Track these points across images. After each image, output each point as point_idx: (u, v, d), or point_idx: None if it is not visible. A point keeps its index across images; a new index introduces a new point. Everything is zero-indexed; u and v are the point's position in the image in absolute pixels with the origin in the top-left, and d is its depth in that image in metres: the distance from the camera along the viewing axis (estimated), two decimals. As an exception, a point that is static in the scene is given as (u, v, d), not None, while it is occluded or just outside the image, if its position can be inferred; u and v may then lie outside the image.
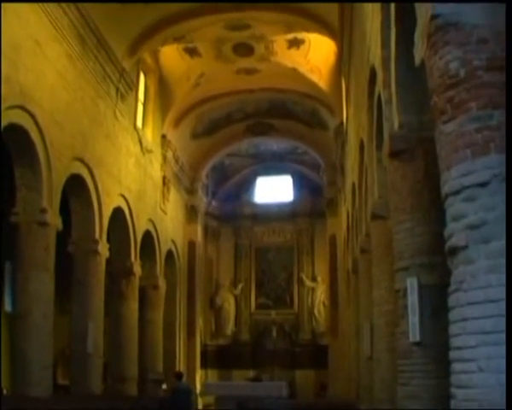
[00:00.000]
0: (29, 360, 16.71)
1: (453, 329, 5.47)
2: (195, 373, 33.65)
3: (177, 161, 31.82)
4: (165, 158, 29.72)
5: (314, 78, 27.25)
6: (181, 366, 31.79)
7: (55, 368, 19.16)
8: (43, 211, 17.46)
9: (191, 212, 35.38)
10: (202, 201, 36.76)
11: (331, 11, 19.81)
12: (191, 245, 35.14)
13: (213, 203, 39.32)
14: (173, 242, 31.87)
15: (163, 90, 28.47)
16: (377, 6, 10.91)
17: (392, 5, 9.44)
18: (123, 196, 23.93)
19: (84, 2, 18.32)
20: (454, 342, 5.45)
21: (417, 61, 6.61)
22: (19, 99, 16.11)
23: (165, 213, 30.25)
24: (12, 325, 18.04)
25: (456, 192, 5.45)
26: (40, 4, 17.00)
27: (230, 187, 40.41)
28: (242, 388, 28.15)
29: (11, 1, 12.69)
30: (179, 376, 19.96)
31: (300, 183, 39.45)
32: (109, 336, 23.57)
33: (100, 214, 21.47)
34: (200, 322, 35.46)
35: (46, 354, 17.34)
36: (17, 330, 17.22)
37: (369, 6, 12.64)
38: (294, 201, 39.44)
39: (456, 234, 5.46)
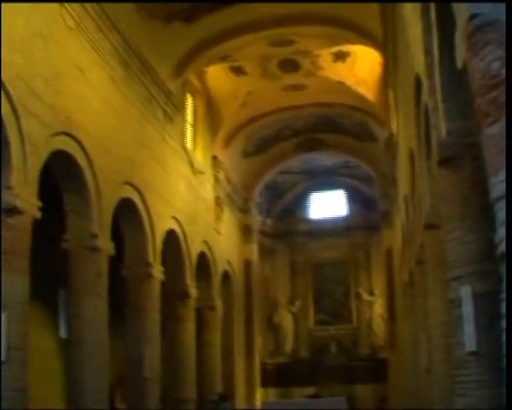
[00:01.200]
0: (84, 386, 16.48)
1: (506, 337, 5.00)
2: (255, 392, 33.17)
3: (229, 181, 31.50)
4: (216, 179, 29.41)
5: (361, 90, 26.76)
6: (240, 385, 31.38)
7: (112, 393, 18.90)
8: (94, 236, 17.24)
9: (246, 231, 35.01)
10: (256, 219, 36.39)
11: (373, 21, 19.30)
12: (247, 264, 34.76)
13: (268, 222, 38.93)
14: (229, 262, 31.52)
15: (211, 110, 28.25)
16: (417, 12, 10.60)
17: (433, 10, 9.15)
18: (175, 219, 23.65)
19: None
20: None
21: (459, 63, 6.29)
22: (64, 126, 15.95)
23: (220, 233, 29.90)
24: (66, 352, 17.78)
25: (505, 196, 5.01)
26: (80, 30, 16.83)
27: (284, 204, 40.07)
28: (302, 405, 27.62)
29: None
30: (223, 397, 19.59)
31: (354, 197, 38.94)
32: (166, 359, 23.23)
33: (152, 238, 21.19)
34: (258, 341, 35.00)
35: (101, 379, 17.06)
36: (71, 357, 17.00)
37: (409, 13, 12.36)
38: (348, 215, 38.96)
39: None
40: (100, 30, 17.79)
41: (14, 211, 13.69)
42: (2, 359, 12.90)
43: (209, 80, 27.23)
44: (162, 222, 22.15)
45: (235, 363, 31.36)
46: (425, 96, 10.84)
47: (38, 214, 14.58)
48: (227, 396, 20.37)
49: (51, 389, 21.18)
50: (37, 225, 14.61)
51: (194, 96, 27.12)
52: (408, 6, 12.60)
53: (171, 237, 23.26)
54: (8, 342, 13.07)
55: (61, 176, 16.77)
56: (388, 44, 18.96)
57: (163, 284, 22.09)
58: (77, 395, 16.49)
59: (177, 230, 23.94)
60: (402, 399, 28.44)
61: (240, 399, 31.18)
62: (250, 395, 32.14)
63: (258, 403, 32.59)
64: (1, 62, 12.68)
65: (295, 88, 27.89)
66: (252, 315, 34.23)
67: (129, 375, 20.23)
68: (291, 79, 27.03)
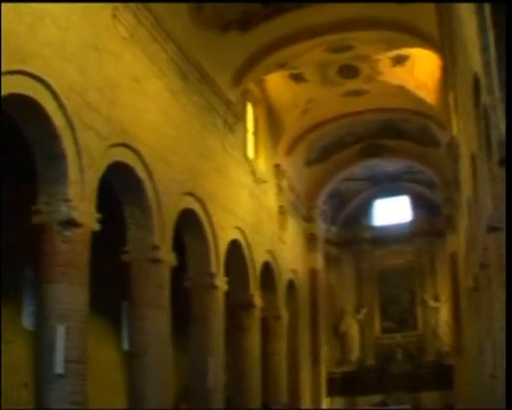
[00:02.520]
0: (147, 399, 16.11)
1: None
2: (321, 402, 32.41)
3: (292, 189, 30.91)
4: (279, 187, 28.82)
5: (421, 93, 25.93)
6: (306, 395, 30.68)
7: (177, 405, 18.45)
8: (155, 248, 16.87)
9: (310, 240, 34.30)
10: (321, 228, 35.70)
11: (430, 22, 18.50)
12: (312, 273, 34.07)
13: (332, 229, 38.15)
14: (294, 271, 30.80)
15: (272, 118, 27.75)
16: (472, 10, 10.10)
17: (487, 7, 8.71)
18: (238, 229, 23.18)
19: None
20: None
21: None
22: (121, 137, 15.63)
23: (284, 242, 29.28)
24: (129, 364, 17.37)
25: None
26: (135, 40, 16.45)
27: (348, 212, 39.24)
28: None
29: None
30: (266, 408, 19.09)
31: (418, 202, 37.89)
32: (231, 369, 22.68)
33: (215, 248, 20.78)
34: (324, 350, 34.21)
35: (164, 391, 16.69)
36: (134, 369, 16.63)
37: (464, 12, 11.89)
38: (413, 221, 37.87)
39: None
40: (155, 40, 17.38)
41: (71, 224, 13.45)
42: (60, 372, 12.57)
43: (269, 88, 26.71)
44: (225, 232, 21.70)
45: (301, 372, 30.62)
46: (484, 96, 10.34)
47: (97, 227, 14.30)
48: (269, 407, 19.91)
49: (114, 402, 20.87)
50: (97, 237, 14.28)
51: (254, 105, 26.62)
52: (463, 5, 12.15)
53: (234, 247, 22.79)
54: (66, 354, 12.76)
55: (121, 188, 16.45)
56: (446, 46, 18.30)
57: (227, 295, 21.65)
58: (140, 408, 16.16)
59: (241, 240, 23.46)
60: (468, 406, 27.34)
61: (306, 408, 30.48)
62: (316, 405, 31.37)
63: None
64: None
65: (356, 94, 27.20)
66: (317, 324, 33.49)
67: (193, 386, 19.79)
68: (351, 84, 26.38)
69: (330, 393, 34.32)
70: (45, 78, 12.81)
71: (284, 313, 28.13)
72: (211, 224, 20.47)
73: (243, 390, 22.88)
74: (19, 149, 14.40)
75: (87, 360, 13.55)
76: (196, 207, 19.72)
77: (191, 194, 19.40)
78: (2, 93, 11.66)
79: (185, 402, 21.38)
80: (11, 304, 18.56)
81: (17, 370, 17.84)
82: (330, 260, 37.47)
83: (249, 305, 23.99)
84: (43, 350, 12.95)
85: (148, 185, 16.68)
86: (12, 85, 12.01)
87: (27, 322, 19.11)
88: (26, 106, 12.75)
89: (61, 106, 13.31)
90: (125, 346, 22.63)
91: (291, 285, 30.27)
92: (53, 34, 13.21)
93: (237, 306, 23.59)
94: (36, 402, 13.22)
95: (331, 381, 34.71)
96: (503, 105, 8.51)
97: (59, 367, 12.66)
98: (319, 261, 34.93)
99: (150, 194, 16.78)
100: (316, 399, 31.92)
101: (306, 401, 30.90)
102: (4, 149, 15.17)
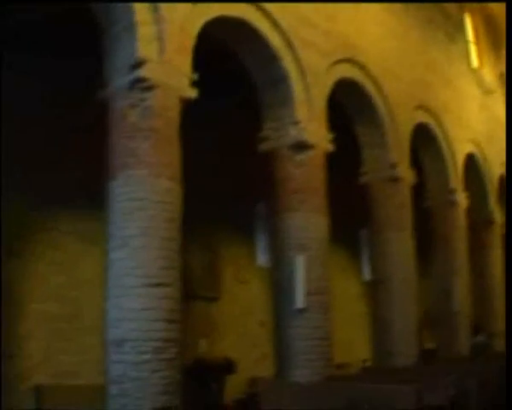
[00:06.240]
0: (391, 328, 13.94)
1: None
2: None
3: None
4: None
5: None
6: None
7: (419, 332, 15.79)
8: (393, 166, 14.44)
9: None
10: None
11: None
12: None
13: None
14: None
15: (490, 27, 23.91)
16: None
17: None
18: (473, 142, 19.99)
19: None
20: None
21: None
22: (343, 53, 13.20)
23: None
24: (372, 293, 14.90)
25: None
26: None
27: None
28: None
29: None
30: (476, 330, 16.02)
31: None
32: (474, 290, 19.53)
33: (453, 163, 17.93)
34: None
35: (409, 319, 14.27)
36: (377, 297, 14.43)
37: None
38: None
39: None
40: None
41: (303, 146, 11.39)
42: (301, 306, 10.40)
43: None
44: (460, 146, 18.71)
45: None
46: None
47: (330, 147, 12.05)
48: (478, 329, 16.69)
49: (356, 333, 18.93)
50: (330, 160, 11.97)
51: (472, 15, 22.93)
52: None
53: (470, 161, 19.57)
54: (307, 287, 10.73)
55: (350, 106, 14.17)
56: None
57: (467, 212, 18.66)
58: (385, 337, 14.04)
59: (476, 153, 20.19)
60: None
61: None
62: None
63: None
64: None
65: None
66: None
67: (437, 311, 17.31)
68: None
69: None
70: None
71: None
72: (446, 138, 17.56)
73: (486, 313, 19.76)
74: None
75: (329, 293, 11.47)
76: (430, 120, 16.92)
77: (423, 107, 16.60)
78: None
79: (427, 329, 18.61)
80: (246, 244, 17.03)
81: (253, 309, 16.48)
82: None
83: (489, 221, 20.85)
84: (282, 285, 11.11)
85: (378, 101, 14.25)
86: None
87: (260, 260, 17.39)
88: (238, 28, 10.76)
89: (275, 25, 11.17)
90: (366, 275, 20.18)
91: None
92: None
93: (478, 223, 20.43)
94: (274, 340, 11.44)
95: None
96: None
97: (299, 301, 10.73)
98: None
99: (382, 110, 14.34)
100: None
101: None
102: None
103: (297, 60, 11.59)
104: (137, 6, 8.64)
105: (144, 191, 8.33)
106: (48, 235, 12.45)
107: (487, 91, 22.50)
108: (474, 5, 22.86)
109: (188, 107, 9.18)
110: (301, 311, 10.73)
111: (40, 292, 12.15)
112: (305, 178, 11.15)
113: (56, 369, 12.13)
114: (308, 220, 11.07)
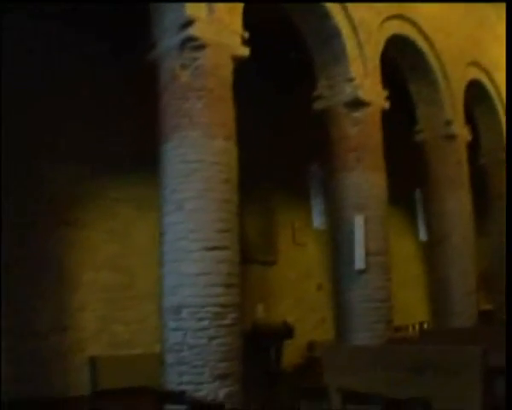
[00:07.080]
0: (450, 288, 13.30)
1: None
2: None
3: None
4: None
5: None
6: None
7: (478, 291, 15.17)
8: (448, 123, 13.74)
9: None
10: None
11: None
12: None
13: None
14: None
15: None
16: None
17: None
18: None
19: None
20: None
21: None
22: (395, 9, 12.42)
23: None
24: (429, 253, 14.26)
25: None
26: None
27: None
28: None
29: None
30: None
31: None
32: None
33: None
34: None
35: (468, 279, 13.58)
36: (435, 258, 13.74)
37: None
38: None
39: None
40: None
41: (358, 103, 10.82)
42: (361, 267, 9.90)
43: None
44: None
45: None
46: None
47: (386, 104, 11.46)
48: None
49: (412, 295, 18.34)
50: (385, 119, 11.40)
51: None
52: None
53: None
54: (367, 247, 10.19)
55: (403, 64, 13.44)
56: None
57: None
58: (443, 298, 13.38)
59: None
60: None
61: None
62: None
63: None
64: None
65: None
66: None
67: (494, 271, 16.47)
68: None
69: None
70: None
71: None
72: (499, 95, 16.68)
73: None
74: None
75: (389, 253, 10.90)
76: (483, 77, 16.11)
77: (475, 64, 15.78)
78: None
79: (485, 290, 17.92)
80: (301, 207, 16.58)
81: (310, 273, 16.05)
82: None
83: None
84: (340, 246, 10.59)
85: (431, 57, 13.52)
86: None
87: (316, 222, 16.87)
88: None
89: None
90: (422, 235, 19.48)
91: None
92: None
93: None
94: (333, 304, 10.96)
95: None
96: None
97: (359, 262, 10.19)
98: None
99: (434, 66, 13.60)
100: None
101: None
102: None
103: (348, 17, 11.01)
104: (185, -34, 8.17)
105: (199, 153, 7.92)
106: (99, 203, 12.21)
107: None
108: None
109: (240, 65, 8.72)
110: (361, 272, 10.24)
111: (93, 262, 11.91)
112: (362, 136, 10.60)
113: (111, 339, 11.93)
114: (366, 179, 10.54)
